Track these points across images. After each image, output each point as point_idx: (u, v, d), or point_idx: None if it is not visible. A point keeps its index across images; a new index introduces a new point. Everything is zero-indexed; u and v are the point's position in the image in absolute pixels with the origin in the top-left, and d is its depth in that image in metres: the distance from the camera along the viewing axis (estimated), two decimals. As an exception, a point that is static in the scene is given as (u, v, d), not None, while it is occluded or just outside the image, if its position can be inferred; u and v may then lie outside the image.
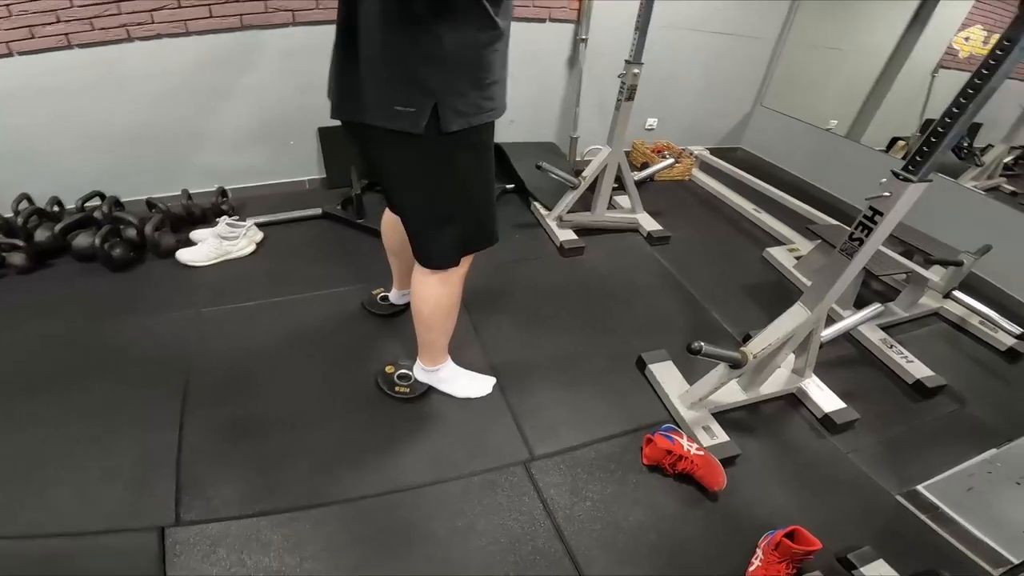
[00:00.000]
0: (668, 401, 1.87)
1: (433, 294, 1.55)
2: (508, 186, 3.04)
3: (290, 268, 2.37)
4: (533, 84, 3.14)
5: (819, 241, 2.52)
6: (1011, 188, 3.45)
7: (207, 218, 2.60)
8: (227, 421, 1.67)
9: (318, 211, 2.71)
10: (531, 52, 3.01)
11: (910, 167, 1.35)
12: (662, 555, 1.44)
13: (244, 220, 2.49)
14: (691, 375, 1.91)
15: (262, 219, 2.60)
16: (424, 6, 1.10)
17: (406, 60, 1.16)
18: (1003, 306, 2.42)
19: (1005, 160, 3.69)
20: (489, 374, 1.91)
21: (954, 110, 1.24)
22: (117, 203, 2.51)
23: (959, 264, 2.30)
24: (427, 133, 1.22)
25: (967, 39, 3.52)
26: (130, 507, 1.41)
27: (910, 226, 2.44)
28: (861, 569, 1.39)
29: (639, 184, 2.85)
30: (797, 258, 2.68)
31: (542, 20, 2.96)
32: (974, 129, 3.49)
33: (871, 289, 2.64)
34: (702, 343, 1.59)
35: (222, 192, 2.70)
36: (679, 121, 3.67)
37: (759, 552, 1.43)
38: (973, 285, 2.54)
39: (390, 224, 1.83)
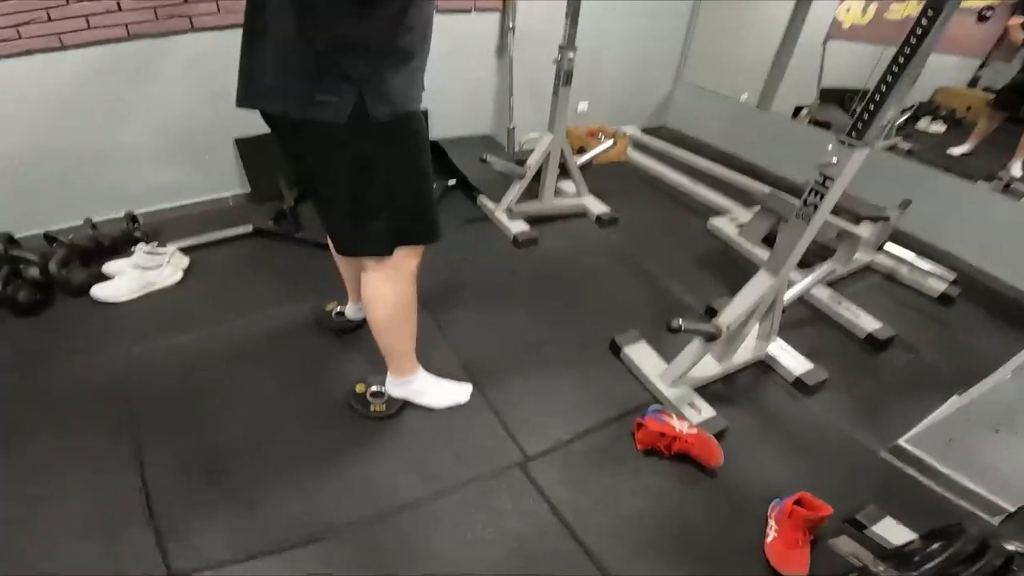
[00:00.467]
0: (648, 382, 1.88)
1: (383, 294, 1.46)
2: (450, 182, 2.95)
3: (227, 292, 2.19)
4: (464, 77, 3.07)
5: (758, 208, 2.63)
6: (907, 146, 3.77)
7: (119, 248, 2.34)
8: (191, 457, 1.53)
9: (248, 228, 2.51)
10: (460, 44, 2.93)
11: (854, 133, 1.40)
12: (676, 539, 1.45)
13: (164, 246, 2.25)
14: (666, 354, 1.92)
15: (186, 243, 2.37)
16: None
17: (326, 42, 1.08)
18: (927, 255, 2.62)
19: (897, 122, 4.04)
20: (462, 375, 1.86)
21: (888, 78, 1.30)
22: (11, 240, 2.20)
23: (886, 219, 2.47)
24: (351, 123, 1.14)
25: (848, 10, 3.78)
26: (113, 563, 1.25)
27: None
28: (873, 528, 1.44)
29: (581, 168, 2.86)
30: (739, 226, 2.78)
31: (467, 11, 2.88)
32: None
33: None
34: (680, 320, 1.61)
35: (132, 218, 2.44)
36: (608, 102, 3.71)
37: (772, 523, 1.46)
38: (898, 238, 2.73)
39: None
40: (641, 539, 1.43)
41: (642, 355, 1.97)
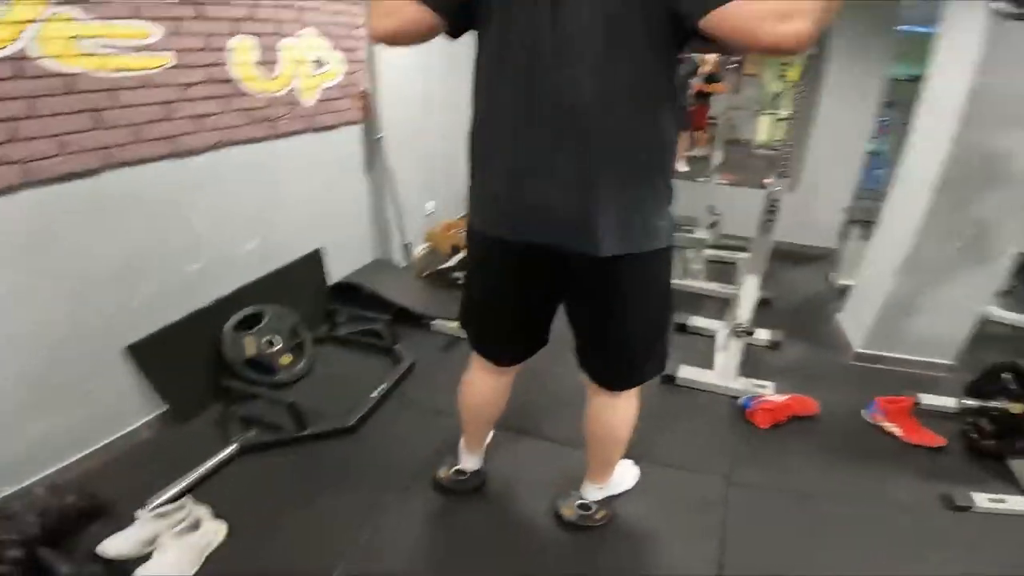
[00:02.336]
0: (718, 387, 2.35)
1: (631, 416, 1.56)
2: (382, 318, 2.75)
3: (296, 525, 1.71)
4: (341, 200, 2.95)
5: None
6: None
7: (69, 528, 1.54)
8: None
9: (230, 449, 1.92)
10: (328, 165, 2.80)
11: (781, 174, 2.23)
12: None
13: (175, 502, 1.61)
14: (701, 363, 2.44)
15: (169, 492, 1.71)
16: (668, 103, 1.18)
17: (658, 174, 1.22)
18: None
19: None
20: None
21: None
22: None
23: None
24: (667, 242, 1.28)
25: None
26: None
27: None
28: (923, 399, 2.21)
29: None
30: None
31: (333, 127, 2.77)
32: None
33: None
34: (743, 324, 2.17)
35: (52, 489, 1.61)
36: (451, 198, 3.90)
37: (887, 424, 2.18)
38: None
39: (489, 392, 1.66)
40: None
41: (691, 373, 2.39)
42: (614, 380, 1.49)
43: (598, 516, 1.70)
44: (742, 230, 3.34)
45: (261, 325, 2.34)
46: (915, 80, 2.75)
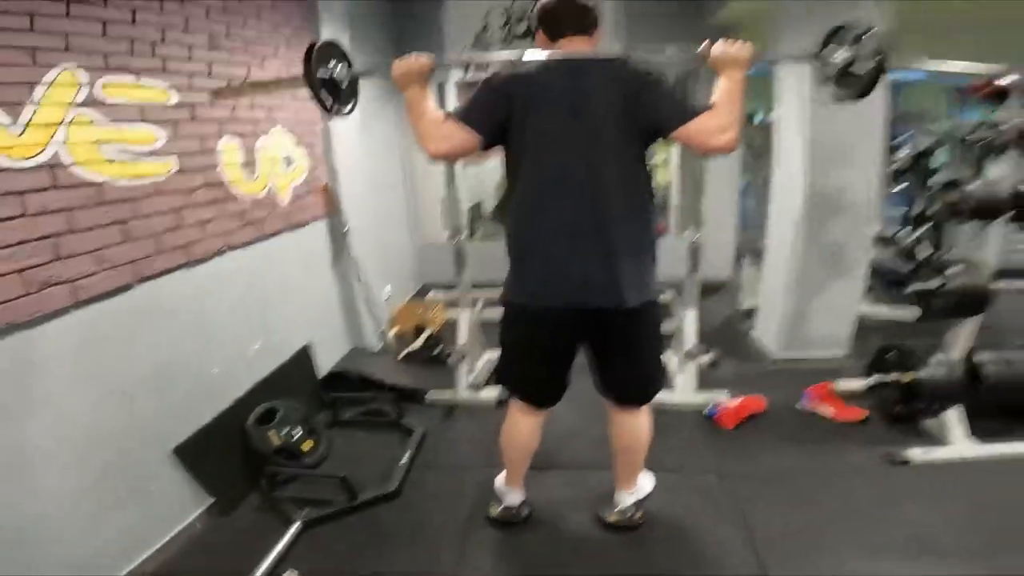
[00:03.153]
0: (683, 405, 2.85)
1: (649, 423, 2.00)
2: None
3: None
4: (317, 295, 3.18)
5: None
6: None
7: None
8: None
9: (296, 527, 2.06)
10: (304, 261, 3.04)
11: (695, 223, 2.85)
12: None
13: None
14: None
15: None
16: (651, 187, 1.74)
17: (652, 242, 1.73)
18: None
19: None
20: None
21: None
22: None
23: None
24: (660, 295, 1.81)
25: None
26: None
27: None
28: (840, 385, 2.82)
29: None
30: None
31: (304, 224, 3.00)
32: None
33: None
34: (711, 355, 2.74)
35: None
36: (401, 280, 4.20)
37: (819, 406, 2.75)
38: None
39: (532, 431, 1.99)
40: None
41: (663, 395, 2.85)
42: (639, 398, 1.93)
43: (637, 516, 2.07)
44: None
45: (277, 419, 2.49)
46: (767, 127, 3.60)
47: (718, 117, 1.51)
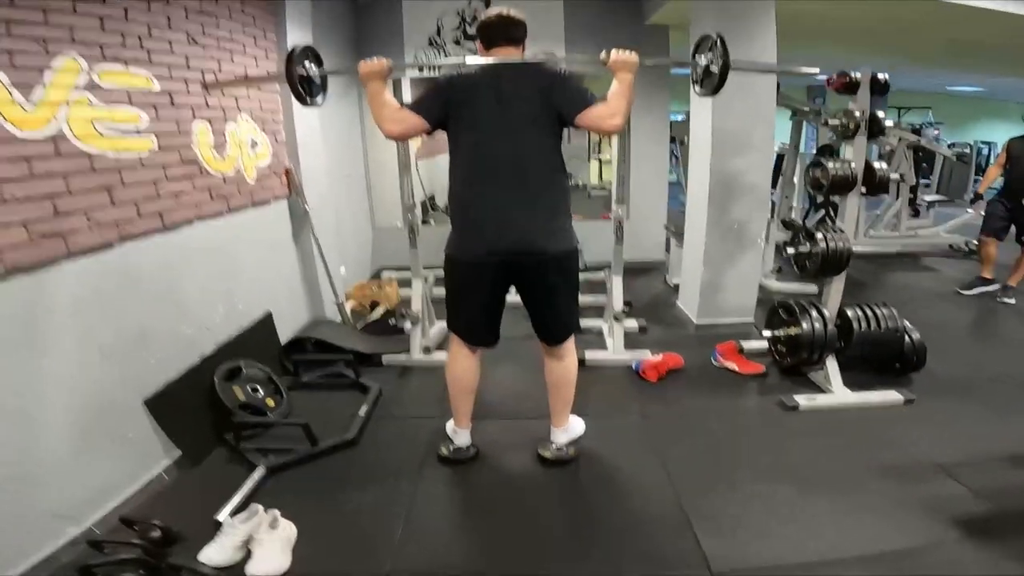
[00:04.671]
0: (611, 359, 3.12)
1: (574, 360, 2.26)
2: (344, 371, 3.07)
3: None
4: (279, 268, 3.25)
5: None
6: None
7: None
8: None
9: (260, 471, 2.17)
10: (267, 236, 3.13)
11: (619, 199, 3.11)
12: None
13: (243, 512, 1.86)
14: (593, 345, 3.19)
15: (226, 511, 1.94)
16: (561, 161, 2.03)
17: (565, 204, 2.03)
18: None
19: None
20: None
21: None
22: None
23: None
24: (576, 245, 2.08)
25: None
26: None
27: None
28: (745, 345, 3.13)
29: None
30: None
31: (267, 202, 3.09)
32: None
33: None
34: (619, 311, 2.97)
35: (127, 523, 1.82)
36: (356, 262, 4.28)
37: (724, 362, 3.09)
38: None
39: (470, 367, 2.22)
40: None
41: (594, 356, 3.12)
42: (558, 336, 2.17)
43: (570, 452, 2.29)
44: (594, 258, 4.23)
45: (241, 377, 2.58)
46: (685, 121, 3.93)
47: (609, 106, 1.86)
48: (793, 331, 2.86)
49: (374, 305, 3.96)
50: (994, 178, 4.52)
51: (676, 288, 4.23)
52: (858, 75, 2.72)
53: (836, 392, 2.75)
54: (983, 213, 4.39)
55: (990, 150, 10.58)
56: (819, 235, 2.75)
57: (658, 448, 2.37)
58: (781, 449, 2.39)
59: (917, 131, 8.41)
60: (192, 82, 2.47)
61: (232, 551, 1.75)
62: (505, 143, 1.91)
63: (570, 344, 2.21)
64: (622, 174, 3.22)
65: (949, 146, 8.90)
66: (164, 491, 2.15)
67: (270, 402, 2.62)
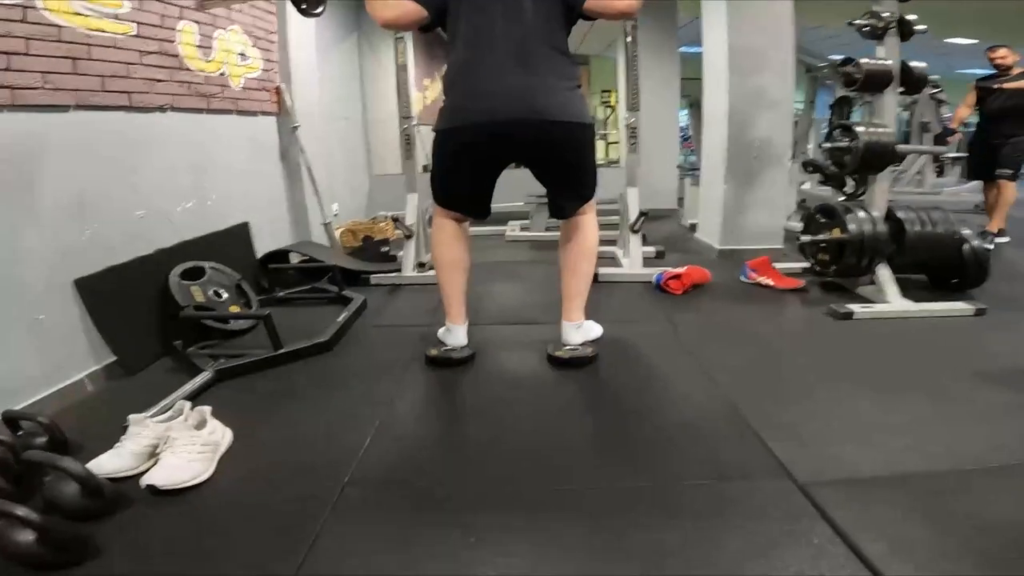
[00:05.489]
0: (629, 275, 2.57)
1: (595, 229, 1.77)
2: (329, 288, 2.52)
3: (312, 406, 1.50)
4: (262, 181, 2.72)
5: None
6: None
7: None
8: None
9: (207, 374, 1.61)
10: (251, 146, 2.63)
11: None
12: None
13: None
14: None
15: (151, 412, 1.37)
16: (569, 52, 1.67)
17: (573, 82, 1.66)
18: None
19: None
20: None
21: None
22: None
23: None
24: (591, 120, 1.73)
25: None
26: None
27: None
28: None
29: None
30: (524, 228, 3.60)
31: (254, 114, 2.64)
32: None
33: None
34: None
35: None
36: (351, 202, 3.80)
37: (759, 278, 2.50)
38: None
39: (457, 236, 1.77)
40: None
41: (608, 271, 2.55)
42: (572, 209, 1.75)
43: (588, 352, 1.72)
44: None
45: (204, 278, 2.02)
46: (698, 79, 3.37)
47: None
48: (837, 234, 2.27)
49: (366, 240, 3.40)
50: (963, 117, 4.07)
51: (692, 227, 3.65)
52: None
53: (893, 302, 2.17)
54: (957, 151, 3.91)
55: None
56: (859, 128, 2.20)
57: (696, 355, 1.80)
58: (845, 356, 1.81)
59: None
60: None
61: (131, 457, 1.18)
62: (508, 26, 1.57)
63: (588, 212, 1.73)
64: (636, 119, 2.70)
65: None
66: (83, 400, 1.59)
67: (235, 309, 2.06)
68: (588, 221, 1.75)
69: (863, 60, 2.22)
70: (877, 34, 2.24)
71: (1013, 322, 2.06)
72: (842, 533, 0.97)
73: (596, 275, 2.40)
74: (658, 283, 2.40)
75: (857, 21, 2.29)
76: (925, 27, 2.25)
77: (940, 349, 1.84)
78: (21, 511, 0.85)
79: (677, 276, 2.38)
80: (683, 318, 2.12)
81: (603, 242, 1.96)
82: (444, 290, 1.78)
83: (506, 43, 1.56)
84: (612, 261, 2.82)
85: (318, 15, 2.04)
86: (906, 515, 1.02)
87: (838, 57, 2.48)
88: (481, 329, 1.93)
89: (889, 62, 2.22)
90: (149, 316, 1.86)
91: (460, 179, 1.71)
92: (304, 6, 1.90)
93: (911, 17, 2.24)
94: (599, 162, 6.61)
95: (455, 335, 1.76)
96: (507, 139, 1.60)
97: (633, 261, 2.59)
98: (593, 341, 1.80)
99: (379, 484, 1.18)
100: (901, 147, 2.38)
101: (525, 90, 1.54)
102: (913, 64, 2.29)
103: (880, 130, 2.22)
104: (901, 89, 2.31)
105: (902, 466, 1.19)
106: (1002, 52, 3.51)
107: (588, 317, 1.82)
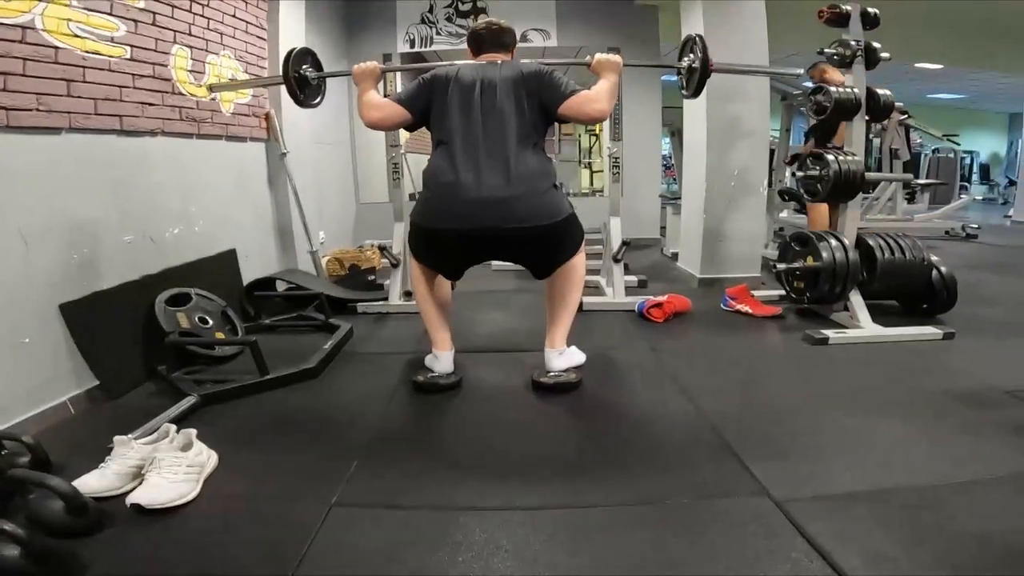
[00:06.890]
0: (612, 304, 2.63)
1: (582, 260, 1.83)
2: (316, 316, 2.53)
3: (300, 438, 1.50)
4: (250, 208, 2.74)
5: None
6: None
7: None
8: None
9: (191, 399, 1.60)
10: (239, 172, 2.66)
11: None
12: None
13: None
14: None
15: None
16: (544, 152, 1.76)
17: (548, 172, 1.73)
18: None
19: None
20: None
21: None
22: None
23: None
24: (568, 212, 1.75)
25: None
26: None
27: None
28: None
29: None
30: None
31: (243, 139, 2.67)
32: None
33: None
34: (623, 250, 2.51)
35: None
36: (337, 230, 3.83)
37: (737, 305, 2.56)
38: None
39: (439, 282, 1.86)
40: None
41: (593, 301, 2.60)
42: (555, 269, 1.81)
43: (572, 377, 1.75)
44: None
45: (190, 304, 2.03)
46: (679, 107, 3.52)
47: (592, 95, 1.68)
48: (811, 262, 2.35)
49: (353, 268, 3.42)
50: None
51: (675, 256, 3.74)
52: (848, 7, 2.34)
53: (866, 327, 2.24)
54: None
55: (972, 159, 10.11)
56: (829, 156, 2.30)
57: (677, 379, 1.84)
58: (820, 379, 1.87)
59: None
60: (179, 8, 2.23)
61: (115, 477, 1.18)
62: (488, 129, 1.66)
63: (579, 253, 1.80)
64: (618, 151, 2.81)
65: (933, 151, 8.55)
66: (65, 422, 1.57)
67: (220, 335, 2.06)
68: (576, 255, 1.80)
69: (832, 88, 2.32)
70: (846, 62, 2.36)
71: (980, 345, 2.14)
72: (819, 548, 0.99)
73: (580, 304, 2.46)
74: (640, 311, 2.46)
75: (827, 50, 2.43)
76: (888, 55, 2.38)
77: (911, 371, 1.90)
78: (7, 526, 0.85)
79: (659, 304, 2.44)
80: (665, 345, 2.17)
81: (587, 271, 2.01)
82: (427, 320, 1.83)
83: (487, 145, 1.64)
84: (596, 290, 2.88)
85: (315, 106, 2.19)
86: (881, 530, 1.05)
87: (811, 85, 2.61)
88: (468, 356, 1.96)
89: (856, 90, 2.32)
90: (134, 342, 1.85)
91: (436, 262, 1.81)
92: (302, 97, 2.05)
93: (876, 45, 2.35)
94: (584, 190, 6.85)
95: (442, 362, 1.78)
96: (484, 241, 1.70)
97: (616, 290, 2.64)
98: (577, 367, 1.83)
99: (365, 509, 1.17)
100: (871, 175, 2.49)
101: (503, 201, 1.61)
102: (880, 91, 2.39)
103: (850, 159, 2.32)
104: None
105: (877, 482, 1.22)
106: None
107: (571, 344, 1.86)
